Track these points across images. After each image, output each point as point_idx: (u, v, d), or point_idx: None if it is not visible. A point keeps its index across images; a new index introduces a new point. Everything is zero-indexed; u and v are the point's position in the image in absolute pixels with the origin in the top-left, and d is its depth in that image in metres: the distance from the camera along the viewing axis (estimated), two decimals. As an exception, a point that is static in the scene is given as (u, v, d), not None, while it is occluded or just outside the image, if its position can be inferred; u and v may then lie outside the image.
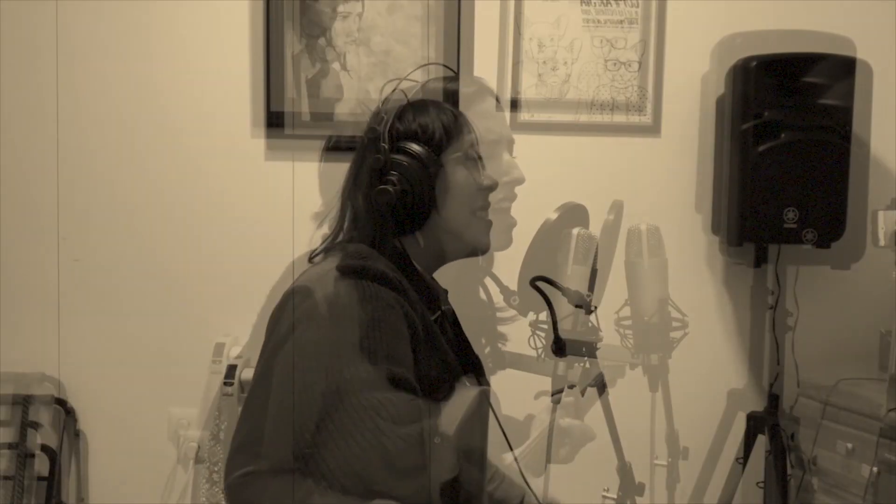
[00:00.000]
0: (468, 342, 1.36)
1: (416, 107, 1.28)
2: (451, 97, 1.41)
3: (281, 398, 1.20)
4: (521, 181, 1.50)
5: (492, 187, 1.31)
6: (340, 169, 1.34)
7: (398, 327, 1.19)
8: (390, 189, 1.22)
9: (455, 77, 1.50)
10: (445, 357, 1.26)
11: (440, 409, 1.23)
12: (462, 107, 1.39)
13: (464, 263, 1.38)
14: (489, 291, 1.56)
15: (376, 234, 1.25)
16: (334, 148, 1.57)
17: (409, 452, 1.20)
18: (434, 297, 1.30)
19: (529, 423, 1.51)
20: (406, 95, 1.30)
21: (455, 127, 1.28)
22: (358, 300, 1.17)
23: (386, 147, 1.24)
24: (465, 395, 1.25)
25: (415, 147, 1.24)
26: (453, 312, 1.36)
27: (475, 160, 1.30)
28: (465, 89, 1.46)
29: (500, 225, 1.44)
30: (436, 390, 1.23)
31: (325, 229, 1.34)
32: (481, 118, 1.44)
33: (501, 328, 1.57)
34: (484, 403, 1.29)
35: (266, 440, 1.20)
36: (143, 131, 2.36)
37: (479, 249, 1.32)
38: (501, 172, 1.46)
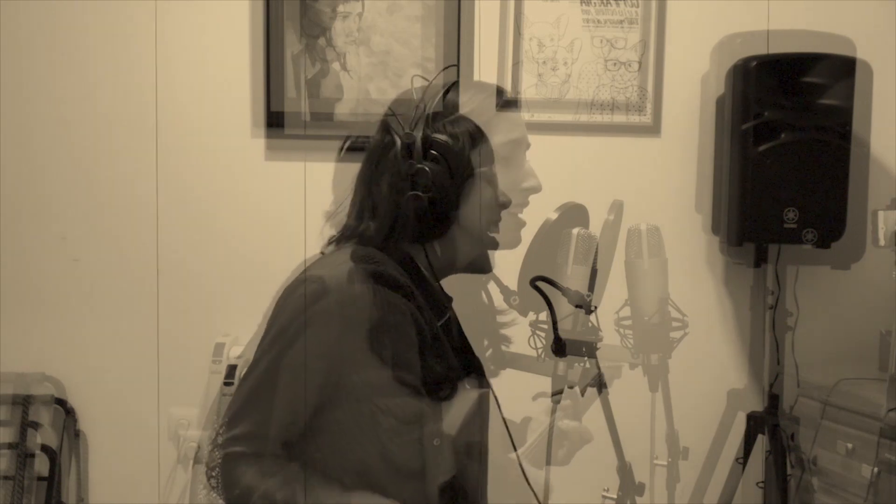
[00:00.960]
0: (470, 346, 1.37)
1: (446, 115, 1.28)
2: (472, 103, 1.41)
3: (280, 391, 1.20)
4: (537, 190, 1.49)
5: (506, 204, 1.32)
6: (349, 169, 1.34)
7: (407, 332, 1.20)
8: (422, 196, 1.22)
9: (479, 84, 1.50)
10: (450, 362, 1.27)
11: (442, 412, 1.23)
12: (487, 114, 1.39)
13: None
14: (491, 296, 1.56)
15: (392, 238, 1.25)
16: (351, 149, 1.57)
17: (411, 456, 1.21)
18: (440, 303, 1.31)
19: (527, 426, 1.52)
20: (424, 99, 1.29)
21: (481, 140, 1.28)
22: (369, 304, 1.18)
23: (420, 153, 1.24)
24: (466, 397, 1.25)
25: (448, 156, 1.25)
26: (456, 318, 1.37)
27: (495, 176, 1.30)
28: (488, 98, 1.45)
29: (510, 224, 1.44)
30: (439, 394, 1.24)
31: (332, 230, 1.34)
32: (505, 127, 1.43)
33: (504, 331, 1.58)
34: (484, 405, 1.30)
35: (261, 427, 1.22)
36: (142, 131, 2.36)
37: (485, 268, 1.34)
38: (519, 179, 1.46)
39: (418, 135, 1.25)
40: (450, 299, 1.35)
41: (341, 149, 1.61)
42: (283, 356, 1.21)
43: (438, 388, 1.23)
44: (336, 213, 1.34)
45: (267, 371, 1.22)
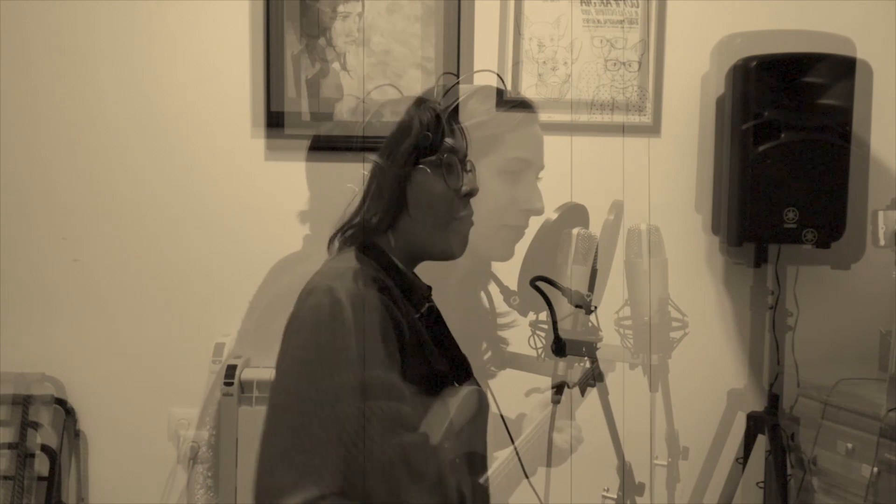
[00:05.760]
0: (453, 340, 1.35)
1: (395, 105, 1.28)
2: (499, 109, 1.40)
3: (322, 415, 1.13)
4: (539, 213, 1.47)
5: (471, 193, 1.27)
6: (329, 168, 1.34)
7: (385, 329, 1.17)
8: (354, 188, 1.23)
9: (505, 94, 1.49)
10: (430, 355, 1.25)
11: (427, 412, 1.22)
12: (505, 126, 1.38)
13: (466, 267, 1.37)
14: (491, 297, 1.55)
15: (356, 232, 1.25)
16: (315, 147, 1.57)
17: (402, 459, 1.19)
18: (417, 293, 1.29)
19: (521, 422, 1.52)
20: (400, 92, 1.29)
21: (433, 130, 1.24)
22: (348, 305, 1.15)
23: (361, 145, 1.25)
24: (452, 396, 1.24)
25: (384, 147, 1.24)
26: (437, 310, 1.34)
27: (453, 165, 1.25)
28: (516, 110, 1.44)
29: (506, 237, 1.44)
30: (421, 389, 1.22)
31: (307, 229, 1.34)
32: (518, 143, 1.43)
33: (502, 333, 1.57)
34: (476, 403, 1.28)
35: (313, 468, 1.10)
36: (143, 131, 2.36)
37: (448, 256, 1.28)
38: (523, 199, 1.45)
39: (361, 127, 1.26)
40: (428, 288, 1.32)
41: (309, 148, 1.61)
42: (309, 382, 1.13)
43: (420, 385, 1.21)
44: (340, 214, 1.33)
45: (298, 403, 1.12)
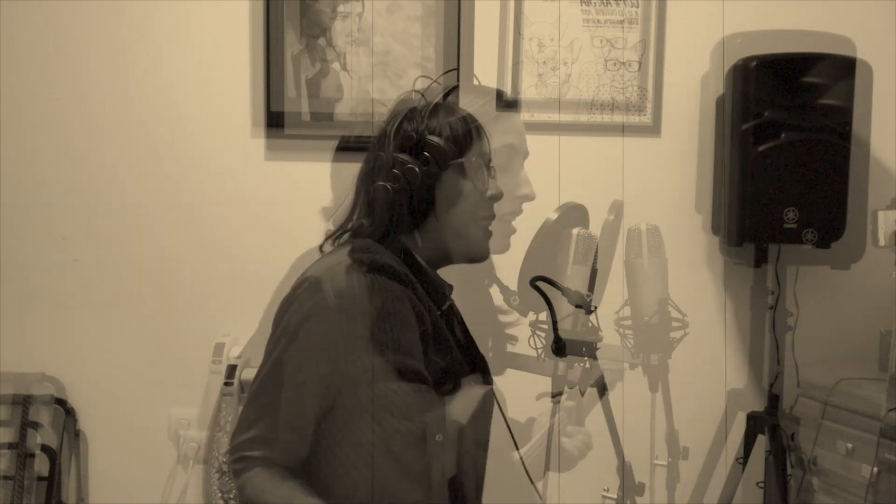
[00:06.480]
0: (473, 340, 1.37)
1: (427, 109, 1.29)
2: (474, 105, 1.42)
3: (289, 392, 1.20)
4: (531, 198, 1.50)
5: (496, 197, 1.31)
6: (347, 168, 1.35)
7: (407, 319, 1.20)
8: (388, 187, 1.23)
9: (480, 87, 1.51)
10: (451, 352, 1.27)
11: (445, 406, 1.23)
12: (486, 117, 1.39)
13: (469, 269, 1.37)
14: (492, 301, 1.56)
15: (378, 228, 1.26)
16: (344, 148, 1.59)
17: (415, 452, 1.21)
18: (440, 291, 1.31)
19: (531, 426, 1.52)
20: (424, 96, 1.30)
21: (463, 134, 1.27)
22: (367, 293, 1.18)
23: (391, 146, 1.25)
24: (470, 392, 1.25)
25: (418, 149, 1.25)
26: (457, 308, 1.36)
27: (481, 169, 1.29)
28: (486, 101, 1.46)
29: (500, 231, 1.44)
30: (442, 384, 1.23)
31: (331, 226, 1.35)
32: (502, 131, 1.44)
33: (510, 331, 1.58)
34: (489, 402, 1.30)
35: (272, 430, 1.21)
36: (143, 131, 2.36)
37: (476, 257, 1.32)
38: (514, 186, 1.46)
39: (391, 127, 1.26)
40: (450, 287, 1.34)
41: (336, 149, 1.62)
42: (287, 356, 1.21)
43: (440, 378, 1.23)
44: (335, 210, 1.34)
45: (273, 373, 1.22)
